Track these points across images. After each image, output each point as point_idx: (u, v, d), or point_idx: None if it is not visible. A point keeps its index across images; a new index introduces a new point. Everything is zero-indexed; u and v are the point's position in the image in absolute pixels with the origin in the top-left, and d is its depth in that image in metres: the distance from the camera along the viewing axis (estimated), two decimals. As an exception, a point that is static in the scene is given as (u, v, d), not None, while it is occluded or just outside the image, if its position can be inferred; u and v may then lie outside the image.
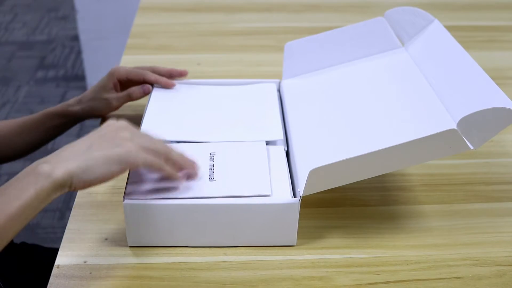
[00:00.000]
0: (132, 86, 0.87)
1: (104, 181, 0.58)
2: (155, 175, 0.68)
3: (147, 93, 0.87)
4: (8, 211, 0.52)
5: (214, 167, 0.70)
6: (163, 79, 0.87)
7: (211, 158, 0.71)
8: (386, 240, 0.71)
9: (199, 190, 0.66)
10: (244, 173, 0.69)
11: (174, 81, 0.88)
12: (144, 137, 0.63)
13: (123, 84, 0.88)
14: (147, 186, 0.67)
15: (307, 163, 0.68)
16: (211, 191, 0.66)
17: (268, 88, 0.88)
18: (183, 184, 0.67)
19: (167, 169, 0.63)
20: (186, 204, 0.65)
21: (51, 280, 0.63)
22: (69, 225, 0.71)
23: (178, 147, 0.74)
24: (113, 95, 0.87)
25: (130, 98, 0.87)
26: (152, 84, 0.87)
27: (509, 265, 0.68)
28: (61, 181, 0.55)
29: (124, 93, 0.87)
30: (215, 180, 0.68)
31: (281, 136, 0.77)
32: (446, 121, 0.65)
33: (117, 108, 0.88)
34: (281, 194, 0.67)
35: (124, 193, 0.65)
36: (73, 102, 0.89)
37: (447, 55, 0.76)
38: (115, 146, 0.59)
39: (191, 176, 0.67)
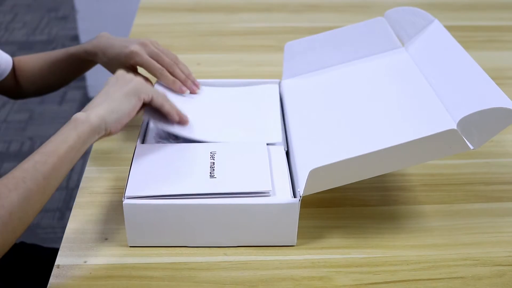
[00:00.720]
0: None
1: (131, 116, 0.69)
2: (155, 174, 0.68)
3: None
4: (58, 153, 0.60)
5: (214, 165, 0.70)
6: (177, 84, 0.85)
7: (212, 157, 0.72)
8: (386, 240, 0.71)
9: (199, 187, 0.66)
10: (245, 171, 0.70)
11: (186, 90, 0.86)
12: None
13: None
14: (148, 185, 0.67)
15: (307, 163, 0.68)
16: (212, 187, 0.66)
17: (270, 90, 0.89)
18: (183, 182, 0.67)
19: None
20: (186, 204, 0.65)
21: (51, 280, 0.63)
22: (69, 225, 0.71)
23: (179, 147, 0.74)
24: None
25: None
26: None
27: (509, 265, 0.68)
28: (96, 125, 0.65)
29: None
30: (215, 177, 0.68)
31: (280, 139, 0.77)
32: (446, 121, 0.65)
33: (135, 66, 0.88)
34: (281, 194, 0.67)
35: (124, 193, 0.65)
36: (97, 51, 0.88)
37: (447, 55, 0.76)
38: (128, 82, 0.70)
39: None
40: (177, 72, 0.85)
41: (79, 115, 0.65)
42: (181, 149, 0.74)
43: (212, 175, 0.68)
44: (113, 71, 0.85)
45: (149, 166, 0.70)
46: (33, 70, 0.96)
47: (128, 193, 0.65)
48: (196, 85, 0.87)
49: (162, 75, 0.84)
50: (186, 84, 0.85)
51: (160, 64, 0.84)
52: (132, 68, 0.86)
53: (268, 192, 0.66)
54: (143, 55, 0.83)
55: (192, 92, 0.86)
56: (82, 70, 0.96)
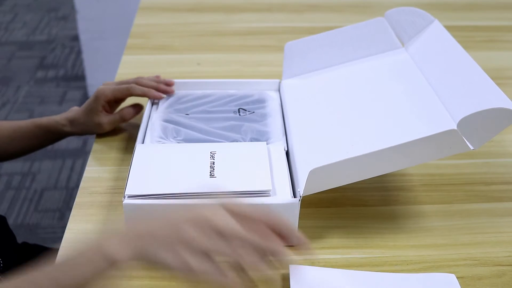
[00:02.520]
0: (121, 102, 0.88)
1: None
2: (155, 174, 0.68)
3: (139, 112, 0.88)
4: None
5: (214, 165, 0.70)
6: (151, 92, 0.85)
7: (212, 157, 0.71)
8: (386, 240, 0.71)
9: (199, 187, 0.66)
10: (245, 170, 0.70)
11: (162, 94, 0.87)
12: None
13: (111, 103, 0.87)
14: (148, 184, 0.67)
15: (307, 163, 0.68)
16: (212, 187, 0.66)
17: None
18: (183, 182, 0.67)
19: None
20: (186, 204, 0.65)
21: (51, 280, 0.63)
22: (69, 225, 0.71)
23: (179, 147, 0.74)
24: (104, 119, 0.85)
25: (123, 120, 0.87)
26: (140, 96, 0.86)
27: (509, 265, 0.68)
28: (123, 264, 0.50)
29: (116, 116, 0.86)
30: (215, 177, 0.68)
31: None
32: (446, 121, 0.65)
33: (110, 129, 0.87)
34: (281, 194, 0.67)
35: (124, 192, 0.65)
36: (64, 121, 0.87)
37: (447, 55, 0.76)
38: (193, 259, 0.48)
39: None
40: (145, 82, 0.86)
41: (109, 248, 0.49)
42: (181, 149, 0.75)
43: (212, 174, 0.68)
44: (91, 133, 0.88)
45: (149, 166, 0.70)
46: None
47: (128, 192, 0.65)
48: (169, 83, 0.88)
49: (132, 88, 0.84)
50: (159, 88, 0.86)
51: (126, 85, 0.85)
52: (105, 109, 0.86)
53: (268, 192, 0.66)
54: (109, 87, 0.85)
55: (168, 93, 0.87)
56: (49, 141, 0.91)
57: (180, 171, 0.70)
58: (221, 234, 0.48)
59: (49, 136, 0.90)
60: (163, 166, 0.71)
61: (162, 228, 0.49)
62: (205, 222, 0.48)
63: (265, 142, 0.76)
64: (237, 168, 0.70)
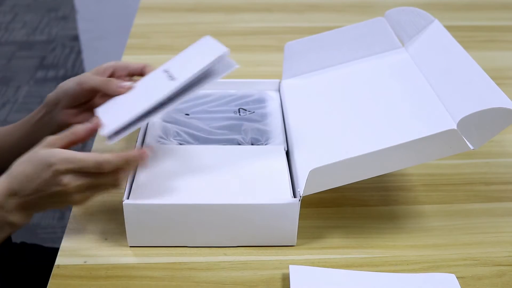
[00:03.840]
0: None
1: None
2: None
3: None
4: None
5: (170, 71, 0.70)
6: (122, 88, 0.71)
7: (166, 71, 0.71)
8: (386, 240, 0.71)
9: (164, 89, 0.66)
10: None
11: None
12: (77, 178, 0.59)
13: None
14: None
15: (307, 163, 0.68)
16: (174, 83, 0.66)
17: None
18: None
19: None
20: (186, 204, 0.65)
21: (51, 280, 0.63)
22: (69, 225, 0.71)
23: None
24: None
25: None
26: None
27: (509, 265, 0.68)
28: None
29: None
30: (176, 78, 0.68)
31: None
32: (446, 121, 0.65)
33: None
34: (281, 194, 0.67)
35: (126, 196, 0.65)
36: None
37: (447, 55, 0.76)
38: (60, 203, 0.61)
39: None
40: (131, 66, 0.77)
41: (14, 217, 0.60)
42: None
43: (171, 77, 0.68)
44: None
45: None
46: None
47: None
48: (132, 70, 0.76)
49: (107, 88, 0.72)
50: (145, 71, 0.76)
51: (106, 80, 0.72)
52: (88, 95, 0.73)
53: (226, 53, 0.69)
54: (93, 82, 0.72)
55: (143, 74, 0.75)
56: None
57: (141, 93, 0.69)
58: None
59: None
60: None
61: (42, 186, 0.58)
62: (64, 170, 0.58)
63: (209, 36, 0.76)
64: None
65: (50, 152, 0.58)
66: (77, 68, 2.61)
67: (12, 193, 0.58)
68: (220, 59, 0.68)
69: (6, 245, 0.89)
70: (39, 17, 3.15)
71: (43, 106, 0.76)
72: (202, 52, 0.72)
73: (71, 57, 2.72)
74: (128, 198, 0.66)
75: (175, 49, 1.18)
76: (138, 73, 0.75)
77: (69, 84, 0.72)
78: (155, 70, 0.73)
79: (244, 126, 0.81)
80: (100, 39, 2.18)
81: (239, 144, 0.78)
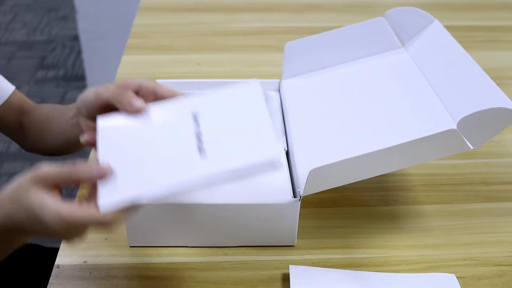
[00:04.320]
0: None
1: None
2: (129, 165, 0.55)
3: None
4: None
5: (202, 136, 0.56)
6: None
7: (196, 121, 0.58)
8: (386, 240, 0.71)
9: (189, 173, 0.53)
10: (241, 133, 0.56)
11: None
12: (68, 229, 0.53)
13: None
14: (124, 184, 0.53)
15: (307, 163, 0.68)
16: (204, 169, 0.53)
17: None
18: (167, 174, 0.53)
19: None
20: (186, 204, 0.65)
21: (51, 280, 0.63)
22: (69, 225, 0.71)
23: (152, 115, 0.59)
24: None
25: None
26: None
27: (509, 265, 0.68)
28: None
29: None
30: (207, 155, 0.54)
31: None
32: (446, 121, 0.65)
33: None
34: (281, 194, 0.67)
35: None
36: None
37: (447, 55, 0.76)
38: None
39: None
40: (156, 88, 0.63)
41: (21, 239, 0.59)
42: (156, 118, 0.59)
43: (203, 151, 0.54)
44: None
45: (119, 151, 0.56)
46: (38, 115, 0.81)
47: (101, 201, 0.52)
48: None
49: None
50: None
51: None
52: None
53: (276, 162, 0.53)
54: (106, 94, 0.63)
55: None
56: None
57: (160, 155, 0.55)
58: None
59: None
60: (137, 150, 0.57)
61: (36, 231, 0.54)
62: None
63: (257, 82, 0.61)
64: (231, 134, 0.56)
65: (41, 205, 0.52)
66: (77, 68, 2.62)
67: (8, 231, 0.56)
68: (269, 165, 0.54)
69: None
70: (39, 17, 3.15)
71: (74, 107, 0.71)
72: (246, 122, 0.57)
73: (71, 57, 2.72)
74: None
75: (175, 49, 1.19)
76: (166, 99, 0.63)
77: (88, 93, 0.64)
78: (181, 106, 0.60)
79: (244, 126, 0.81)
80: (100, 39, 2.18)
81: (239, 144, 0.77)
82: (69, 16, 3.11)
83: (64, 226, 0.51)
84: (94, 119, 0.62)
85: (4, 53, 2.76)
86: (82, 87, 2.43)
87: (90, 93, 0.63)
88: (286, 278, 0.65)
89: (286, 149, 0.76)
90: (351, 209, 0.76)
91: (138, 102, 0.59)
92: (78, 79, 2.53)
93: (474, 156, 0.86)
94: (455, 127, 0.63)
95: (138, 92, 0.62)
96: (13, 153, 2.04)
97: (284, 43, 0.90)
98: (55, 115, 0.78)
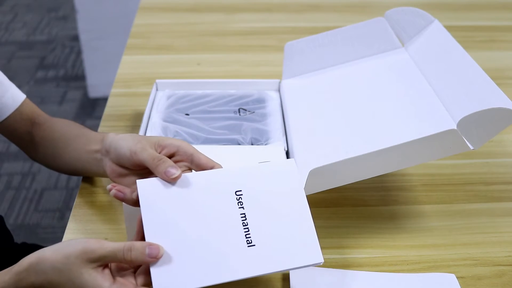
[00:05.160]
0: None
1: None
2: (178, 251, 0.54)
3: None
4: None
5: (247, 221, 0.56)
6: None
7: (238, 199, 0.58)
8: (386, 240, 0.71)
9: (239, 268, 0.54)
10: (285, 232, 0.57)
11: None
12: None
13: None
14: (176, 268, 0.54)
15: (307, 163, 0.68)
16: (254, 268, 0.54)
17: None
18: (218, 256, 0.54)
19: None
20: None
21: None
22: (69, 225, 0.71)
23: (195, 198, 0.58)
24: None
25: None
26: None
27: (509, 265, 0.68)
28: None
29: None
30: (254, 245, 0.55)
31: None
32: (446, 121, 0.65)
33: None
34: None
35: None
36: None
37: (447, 55, 0.76)
38: None
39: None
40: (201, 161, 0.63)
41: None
42: (198, 191, 0.58)
43: (249, 241, 0.55)
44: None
45: (164, 228, 0.56)
46: (52, 132, 0.80)
47: (157, 283, 0.52)
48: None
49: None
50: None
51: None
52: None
53: (319, 263, 0.56)
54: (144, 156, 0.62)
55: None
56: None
57: (208, 238, 0.55)
58: None
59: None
60: (183, 226, 0.56)
61: None
62: None
63: (293, 161, 0.62)
64: (274, 223, 0.57)
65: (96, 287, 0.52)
66: (77, 68, 2.62)
67: None
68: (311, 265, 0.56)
69: (7, 245, 0.89)
70: (39, 17, 3.15)
71: (100, 141, 0.69)
72: (287, 210, 0.58)
73: (71, 57, 2.72)
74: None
75: (175, 49, 1.19)
76: (203, 169, 0.62)
77: (124, 147, 0.62)
78: (221, 179, 0.59)
79: (244, 126, 0.81)
80: (100, 39, 2.18)
81: (239, 144, 0.78)
82: (69, 16, 3.10)
83: None
84: (120, 166, 0.63)
85: (4, 53, 2.76)
86: (82, 87, 2.43)
87: (125, 148, 0.62)
88: (286, 278, 0.65)
89: (286, 149, 0.76)
90: (351, 209, 0.76)
91: (174, 171, 0.58)
92: (78, 79, 2.52)
93: (474, 156, 0.86)
94: (455, 127, 0.63)
95: (175, 154, 0.62)
96: (13, 153, 2.04)
97: (284, 43, 0.90)
98: (73, 138, 0.76)
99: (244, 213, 0.57)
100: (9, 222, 1.73)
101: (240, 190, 0.58)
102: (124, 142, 0.63)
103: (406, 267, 0.67)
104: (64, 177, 1.93)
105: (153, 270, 0.53)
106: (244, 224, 0.56)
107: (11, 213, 1.78)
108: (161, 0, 1.42)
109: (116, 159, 0.64)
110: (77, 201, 0.75)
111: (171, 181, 0.58)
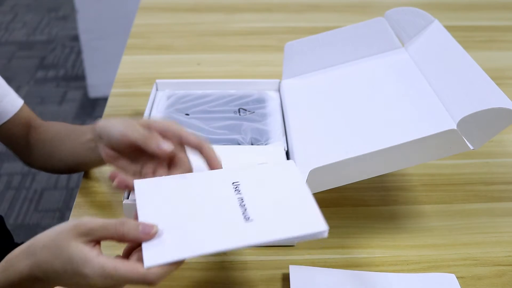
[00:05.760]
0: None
1: None
2: (171, 226, 0.54)
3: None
4: None
5: (244, 202, 0.56)
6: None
7: (236, 188, 0.58)
8: (386, 240, 0.71)
9: (236, 237, 0.52)
10: (284, 205, 0.56)
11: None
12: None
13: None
14: (168, 244, 0.52)
15: (307, 163, 0.68)
16: (252, 236, 0.52)
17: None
18: (213, 232, 0.53)
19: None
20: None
21: (51, 280, 0.63)
22: (69, 225, 0.71)
23: (191, 180, 0.60)
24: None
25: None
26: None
27: (509, 265, 0.68)
28: None
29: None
30: (252, 220, 0.53)
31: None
32: (446, 121, 0.65)
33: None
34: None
35: (125, 193, 0.62)
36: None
37: (447, 55, 0.76)
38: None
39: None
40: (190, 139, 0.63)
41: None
42: (195, 183, 0.59)
43: (246, 216, 0.54)
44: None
45: (160, 214, 0.55)
46: (46, 133, 0.81)
47: (146, 261, 0.50)
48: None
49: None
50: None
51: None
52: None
53: (325, 232, 0.54)
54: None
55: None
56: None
57: (203, 217, 0.55)
58: None
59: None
60: (178, 212, 0.56)
61: (70, 284, 0.53)
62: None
63: (292, 162, 0.63)
64: (273, 202, 0.56)
65: (84, 259, 0.51)
66: (77, 68, 2.62)
67: (34, 279, 0.54)
68: (313, 235, 0.54)
69: (7, 245, 0.89)
70: (39, 17, 3.15)
71: (91, 131, 0.70)
72: (287, 193, 0.58)
73: (71, 57, 2.72)
74: (127, 198, 0.65)
75: (175, 49, 1.19)
76: (191, 147, 0.62)
77: (114, 130, 0.63)
78: (219, 175, 0.60)
79: (244, 126, 0.81)
80: (100, 39, 2.19)
81: (239, 144, 0.78)
82: (69, 16, 3.11)
83: (107, 281, 0.51)
84: (115, 149, 0.64)
85: (4, 53, 2.76)
86: (82, 87, 2.43)
87: (115, 131, 0.63)
88: (286, 278, 0.65)
89: (286, 149, 0.76)
90: (351, 209, 0.76)
91: (166, 145, 0.60)
92: (78, 79, 2.53)
93: (474, 156, 0.86)
94: (455, 127, 0.63)
95: (163, 134, 0.62)
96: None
97: (284, 43, 0.90)
98: (67, 134, 0.77)
99: (241, 197, 0.56)
100: (9, 222, 1.73)
101: (238, 181, 0.58)
102: (114, 126, 0.63)
103: (406, 267, 0.67)
104: (64, 177, 1.93)
105: (145, 245, 0.52)
106: (242, 205, 0.55)
107: (11, 213, 1.78)
108: (161, 0, 1.42)
109: (109, 143, 0.64)
110: (77, 201, 0.75)
111: (164, 154, 0.60)
